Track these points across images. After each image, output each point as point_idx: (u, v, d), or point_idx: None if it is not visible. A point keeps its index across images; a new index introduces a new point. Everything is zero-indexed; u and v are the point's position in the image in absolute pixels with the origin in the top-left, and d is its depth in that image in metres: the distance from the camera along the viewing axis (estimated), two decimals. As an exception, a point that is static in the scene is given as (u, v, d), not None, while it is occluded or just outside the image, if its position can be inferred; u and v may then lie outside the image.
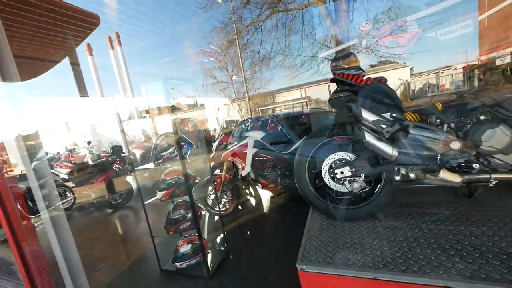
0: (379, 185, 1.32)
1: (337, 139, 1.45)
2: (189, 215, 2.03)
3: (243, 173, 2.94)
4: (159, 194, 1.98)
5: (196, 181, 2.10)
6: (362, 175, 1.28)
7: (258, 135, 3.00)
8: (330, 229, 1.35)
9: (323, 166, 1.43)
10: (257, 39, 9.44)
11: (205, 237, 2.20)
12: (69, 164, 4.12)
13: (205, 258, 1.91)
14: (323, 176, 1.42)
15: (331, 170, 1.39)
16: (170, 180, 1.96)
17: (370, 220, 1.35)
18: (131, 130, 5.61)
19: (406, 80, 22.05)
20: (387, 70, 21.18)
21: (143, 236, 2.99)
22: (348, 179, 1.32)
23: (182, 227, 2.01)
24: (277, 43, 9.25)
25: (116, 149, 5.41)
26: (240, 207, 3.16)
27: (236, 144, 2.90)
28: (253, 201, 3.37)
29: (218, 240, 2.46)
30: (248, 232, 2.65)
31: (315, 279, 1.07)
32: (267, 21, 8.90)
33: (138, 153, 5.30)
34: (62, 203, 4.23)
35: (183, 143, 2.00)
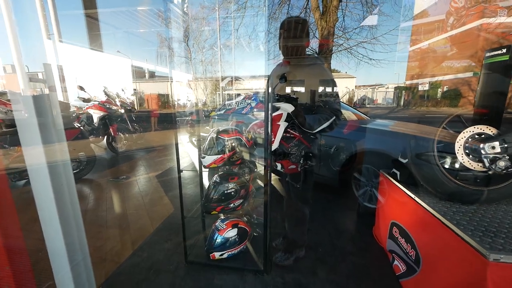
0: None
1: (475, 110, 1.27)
2: (242, 190, 1.55)
3: (272, 148, 2.55)
4: (208, 159, 1.42)
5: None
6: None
7: (289, 108, 2.64)
8: (481, 213, 1.19)
9: (457, 141, 1.23)
10: (239, 17, 8.72)
11: (244, 219, 1.74)
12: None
13: (266, 246, 1.48)
14: (456, 152, 1.23)
15: (466, 145, 1.21)
16: (231, 140, 1.43)
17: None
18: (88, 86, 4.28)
19: (353, 89, 24.80)
20: (338, 78, 23.36)
21: (131, 216, 2.25)
22: (491, 156, 1.16)
23: (232, 205, 1.52)
24: (260, 25, 8.78)
25: (61, 107, 4.09)
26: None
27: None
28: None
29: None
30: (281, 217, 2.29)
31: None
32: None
33: (96, 115, 4.11)
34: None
35: (252, 97, 1.50)
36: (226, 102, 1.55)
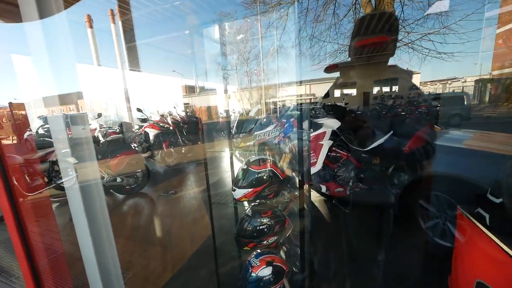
0: None
1: None
2: (277, 226, 1.39)
3: (314, 170, 2.30)
4: (239, 192, 1.32)
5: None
6: None
7: (335, 124, 2.35)
8: None
9: None
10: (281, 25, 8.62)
11: (283, 249, 1.57)
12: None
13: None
14: None
15: None
16: (261, 173, 1.30)
17: None
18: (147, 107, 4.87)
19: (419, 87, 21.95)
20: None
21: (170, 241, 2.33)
22: None
23: (265, 242, 1.37)
24: (303, 30, 8.50)
25: (126, 127, 4.65)
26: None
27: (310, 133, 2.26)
28: (313, 206, 2.76)
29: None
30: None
31: None
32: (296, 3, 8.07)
33: (151, 133, 4.56)
34: (61, 182, 3.49)
35: (284, 121, 1.35)
36: (256, 133, 1.43)
